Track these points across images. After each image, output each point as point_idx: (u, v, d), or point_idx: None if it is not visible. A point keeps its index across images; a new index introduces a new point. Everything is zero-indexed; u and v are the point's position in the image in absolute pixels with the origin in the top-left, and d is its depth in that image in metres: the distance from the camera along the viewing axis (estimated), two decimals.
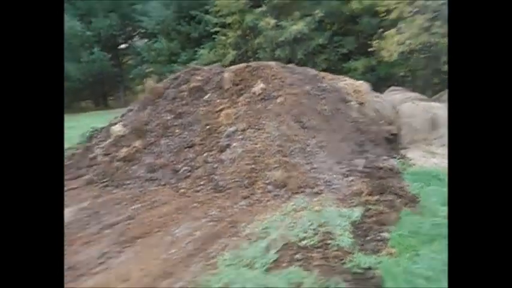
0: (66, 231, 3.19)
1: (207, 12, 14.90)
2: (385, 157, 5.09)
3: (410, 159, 5.19)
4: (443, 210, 3.12)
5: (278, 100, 5.06)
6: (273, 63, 5.80)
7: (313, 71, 6.20)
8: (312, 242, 2.69)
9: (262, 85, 5.28)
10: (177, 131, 5.25)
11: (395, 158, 5.08)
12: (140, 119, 5.58)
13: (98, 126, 6.74)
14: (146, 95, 6.09)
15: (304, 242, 2.70)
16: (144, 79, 21.57)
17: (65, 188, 4.60)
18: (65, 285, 2.29)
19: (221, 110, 5.24)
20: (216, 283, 2.17)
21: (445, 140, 5.80)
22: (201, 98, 5.63)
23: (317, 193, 3.93)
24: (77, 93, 19.44)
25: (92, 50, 16.08)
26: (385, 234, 2.70)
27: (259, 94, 5.20)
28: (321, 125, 5.08)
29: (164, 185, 4.43)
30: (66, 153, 6.46)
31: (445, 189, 4.04)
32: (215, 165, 4.51)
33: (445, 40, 10.64)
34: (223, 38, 13.98)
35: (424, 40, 9.52)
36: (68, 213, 3.72)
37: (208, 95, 5.61)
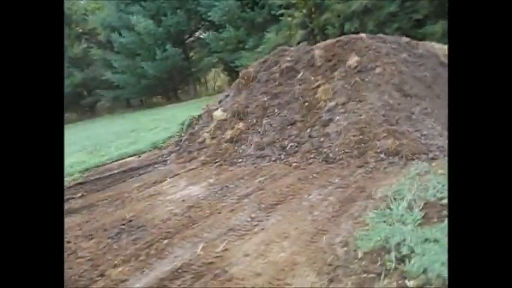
0: (205, 202, 3.65)
1: None
2: None
3: None
4: None
5: (376, 71, 5.04)
6: (363, 35, 5.74)
7: (405, 38, 6.02)
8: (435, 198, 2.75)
9: (356, 58, 5.28)
10: (276, 110, 5.52)
11: None
12: (239, 102, 5.95)
13: (195, 114, 7.33)
14: (239, 80, 6.45)
15: (444, 201, 2.76)
16: (213, 69, 22.51)
17: (185, 169, 5.17)
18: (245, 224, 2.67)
19: (318, 86, 5.37)
20: (375, 238, 2.36)
21: None
22: (294, 77, 5.81)
23: (433, 158, 3.92)
24: (152, 89, 20.96)
25: (165, 47, 17.15)
26: None
27: (355, 67, 5.22)
28: (423, 91, 4.97)
29: (275, 160, 4.74)
30: (173, 140, 7.16)
31: None
32: (321, 139, 4.70)
33: None
34: (290, 19, 13.98)
35: None
36: (201, 188, 4.20)
37: (301, 73, 5.77)
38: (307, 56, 5.93)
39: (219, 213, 3.32)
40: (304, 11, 13.91)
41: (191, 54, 21.64)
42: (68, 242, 3.16)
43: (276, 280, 2.11)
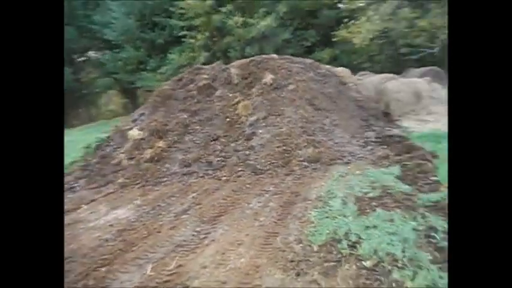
0: (139, 224, 3.39)
1: (169, 17, 14.95)
2: (387, 128, 5.74)
3: (408, 127, 5.89)
4: None
5: (290, 87, 5.51)
6: (274, 55, 6.23)
7: (309, 60, 6.73)
8: (377, 194, 3.17)
9: (271, 75, 5.69)
10: (197, 127, 5.50)
11: (396, 127, 5.76)
12: (156, 121, 5.73)
13: (102, 136, 6.75)
14: (155, 98, 6.23)
15: (371, 195, 3.17)
16: (108, 91, 21.00)
17: (101, 194, 4.69)
18: (176, 262, 2.57)
19: (237, 102, 5.57)
20: (324, 232, 2.56)
21: (430, 108, 6.61)
22: (212, 94, 5.91)
23: (347, 162, 4.44)
24: None
25: None
26: (434, 178, 3.25)
27: (271, 84, 5.60)
28: (330, 105, 5.61)
29: (203, 176, 4.69)
30: (77, 165, 6.42)
31: None
32: (247, 152, 4.85)
33: (401, 25, 11.78)
34: (192, 40, 14.13)
35: (388, 26, 10.51)
36: (128, 210, 3.87)
37: (219, 90, 5.91)
38: (223, 74, 6.11)
39: (159, 232, 3.12)
40: (207, 33, 14.28)
41: (82, 74, 19.86)
42: None
43: (243, 284, 2.10)
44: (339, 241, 2.41)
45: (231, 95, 5.75)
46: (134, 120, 6.14)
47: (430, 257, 2.06)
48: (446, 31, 12.29)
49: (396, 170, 3.75)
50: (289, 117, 5.09)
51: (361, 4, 11.41)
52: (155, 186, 4.68)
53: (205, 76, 6.20)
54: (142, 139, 5.58)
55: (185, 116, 5.71)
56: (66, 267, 2.72)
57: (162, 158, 5.18)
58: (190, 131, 5.45)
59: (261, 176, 4.37)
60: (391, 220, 2.59)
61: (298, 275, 2.10)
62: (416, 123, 6.15)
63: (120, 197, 4.47)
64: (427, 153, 4.01)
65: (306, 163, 4.45)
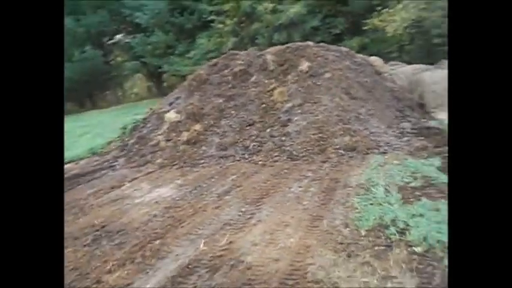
0: (183, 202, 3.55)
1: (199, 1, 14.99)
2: (423, 119, 5.67)
3: (444, 120, 5.79)
4: None
5: (326, 75, 5.50)
6: (310, 43, 6.21)
7: (345, 48, 6.67)
8: (419, 184, 3.19)
9: (307, 63, 5.69)
10: (233, 112, 5.60)
11: (432, 119, 5.68)
12: (193, 104, 5.87)
13: (138, 118, 6.99)
14: (190, 82, 6.36)
15: (413, 184, 3.20)
16: (135, 75, 21.40)
17: (142, 173, 4.90)
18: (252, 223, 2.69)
19: (273, 89, 5.62)
20: (371, 217, 2.63)
21: None
22: (247, 80, 5.97)
23: (384, 152, 4.44)
24: (65, 94, 19.01)
25: (84, 48, 15.80)
26: None
27: (307, 72, 5.61)
28: (366, 95, 5.58)
29: (239, 160, 4.81)
30: (114, 145, 6.69)
31: None
32: (282, 138, 4.93)
33: (435, 14, 11.39)
34: (221, 26, 14.16)
35: (423, 15, 10.20)
36: (171, 189, 4.05)
37: (254, 76, 5.97)
38: (259, 61, 6.16)
39: (204, 210, 3.27)
40: (235, 19, 14.26)
41: (111, 57, 20.30)
42: None
43: (296, 262, 2.21)
44: (387, 227, 2.48)
45: (266, 81, 5.81)
46: (170, 103, 6.31)
47: None
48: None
49: (437, 161, 3.74)
50: (325, 105, 5.11)
51: None
52: (193, 167, 4.84)
53: (240, 62, 6.26)
54: (179, 122, 5.74)
55: (220, 101, 5.82)
56: (121, 239, 2.92)
57: (199, 141, 5.33)
58: (226, 115, 5.57)
59: (297, 161, 4.45)
60: (437, 209, 2.62)
61: (349, 256, 2.19)
62: (444, 116, 6.03)
63: (160, 176, 4.67)
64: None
65: (342, 151, 4.48)
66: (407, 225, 2.45)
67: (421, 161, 3.87)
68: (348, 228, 2.55)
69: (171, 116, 5.87)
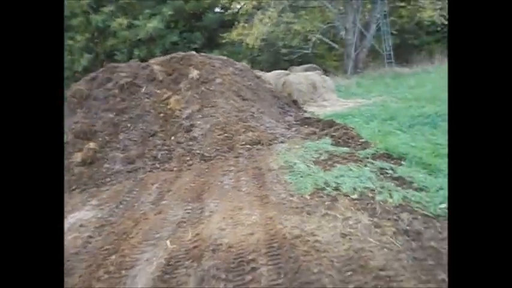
0: (116, 218, 3.32)
1: None
2: (300, 112, 6.72)
3: (313, 112, 7.01)
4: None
5: (217, 81, 5.90)
6: (193, 52, 6.50)
7: (223, 56, 7.20)
8: (326, 157, 3.94)
9: (196, 71, 5.96)
10: (129, 125, 5.37)
11: (306, 112, 6.79)
12: (79, 123, 5.32)
13: None
14: (69, 100, 5.72)
15: (322, 158, 3.92)
16: None
17: None
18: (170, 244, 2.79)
19: (167, 98, 5.66)
20: (308, 186, 3.15)
21: (324, 96, 7.95)
22: (137, 92, 5.81)
23: (282, 142, 5.14)
24: None
25: None
26: (362, 140, 4.21)
27: (198, 79, 5.88)
28: (253, 96, 6.24)
29: (151, 170, 4.68)
30: None
31: (357, 119, 5.96)
32: (190, 143, 5.06)
33: (279, 29, 13.38)
34: (71, 42, 12.83)
35: (273, 29, 11.87)
36: (88, 212, 3.67)
37: (144, 87, 5.85)
38: (145, 71, 6.07)
39: (147, 218, 3.17)
40: (87, 35, 13.20)
41: None
42: None
43: (270, 230, 2.51)
44: (323, 189, 3.03)
45: (158, 91, 5.79)
46: None
47: (393, 183, 2.87)
48: (317, 34, 14.66)
49: (328, 140, 4.62)
50: (222, 108, 5.50)
51: (245, 8, 12.47)
52: (100, 187, 4.45)
53: (124, 74, 6.02)
54: (66, 143, 5.11)
55: (111, 115, 5.48)
56: (66, 265, 2.58)
57: (98, 159, 4.90)
58: (123, 129, 5.29)
59: (212, 161, 4.67)
60: (351, 170, 3.35)
61: (309, 214, 2.63)
62: (317, 108, 7.35)
63: (69, 200, 4.11)
64: (344, 125, 5.03)
65: (248, 146, 4.95)
66: (337, 183, 3.07)
67: (315, 142, 4.69)
68: (294, 197, 2.99)
69: None
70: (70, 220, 3.52)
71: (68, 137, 5.19)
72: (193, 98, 5.64)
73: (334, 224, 2.42)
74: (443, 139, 3.86)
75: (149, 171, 4.68)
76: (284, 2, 12.11)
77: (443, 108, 5.44)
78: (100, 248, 2.74)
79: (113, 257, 2.57)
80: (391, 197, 2.65)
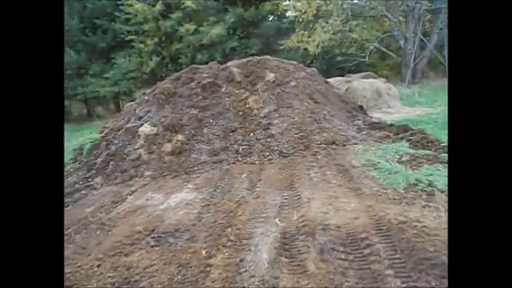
0: (217, 199, 3.72)
1: (113, 21, 14.47)
2: (368, 117, 6.87)
3: (380, 117, 7.13)
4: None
5: (291, 84, 6.25)
6: (268, 57, 6.91)
7: (293, 61, 7.56)
8: (408, 158, 4.10)
9: (272, 74, 6.36)
10: (211, 121, 5.86)
11: (373, 117, 6.93)
12: (167, 117, 5.90)
13: (96, 136, 6.57)
14: (158, 95, 6.35)
15: (403, 159, 4.08)
16: None
17: (136, 186, 4.76)
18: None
19: (246, 98, 6.09)
20: (400, 181, 3.35)
21: (389, 103, 8.02)
22: (217, 91, 6.31)
23: (355, 143, 5.34)
24: None
25: None
26: (443, 144, 4.32)
27: (273, 81, 6.27)
28: (323, 99, 6.51)
29: (234, 162, 5.10)
30: (68, 168, 6.15)
31: (430, 126, 6.01)
32: (268, 140, 5.42)
33: (336, 37, 13.55)
34: (141, 45, 13.91)
35: (332, 37, 12.12)
36: (187, 194, 4.11)
37: (224, 88, 6.34)
38: (224, 73, 6.57)
39: (247, 201, 3.53)
40: (156, 39, 14.21)
41: None
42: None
43: (373, 216, 2.75)
44: (415, 185, 3.23)
45: (237, 91, 6.25)
46: (140, 118, 6.17)
47: None
48: (377, 42, 14.64)
49: (405, 144, 4.76)
50: (298, 109, 5.82)
51: (305, 16, 12.82)
52: (190, 174, 4.93)
53: (206, 75, 6.56)
54: (156, 134, 5.70)
55: (195, 112, 6.00)
56: (185, 236, 2.99)
57: (185, 150, 5.42)
58: (206, 124, 5.79)
59: (290, 157, 4.99)
60: (439, 169, 3.51)
61: (408, 204, 2.84)
62: (382, 114, 7.45)
63: (163, 185, 4.62)
64: (421, 130, 5.15)
65: (324, 145, 5.21)
66: (429, 180, 3.24)
67: (391, 144, 4.85)
68: (388, 190, 3.21)
69: (146, 129, 5.79)
70: (174, 199, 3.99)
71: (158, 129, 5.78)
72: (269, 99, 6.02)
73: (437, 214, 2.62)
74: None
75: (233, 163, 5.10)
76: (347, 11, 12.33)
77: None
78: (214, 222, 3.14)
79: (229, 229, 2.95)
80: None
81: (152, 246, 2.87)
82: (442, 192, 3.00)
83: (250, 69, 6.54)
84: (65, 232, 3.48)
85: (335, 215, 2.88)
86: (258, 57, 6.90)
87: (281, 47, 14.32)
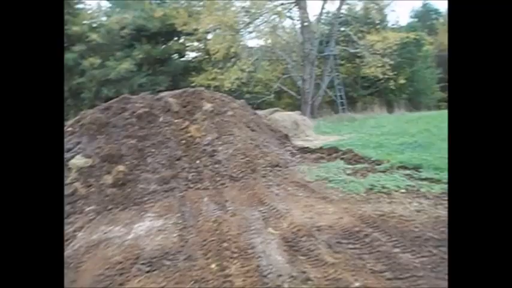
0: (193, 222, 3.64)
1: None
2: (293, 144, 7.58)
3: (302, 144, 7.93)
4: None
5: (229, 113, 6.54)
6: (202, 88, 7.11)
7: (222, 94, 7.90)
8: (352, 171, 4.74)
9: (209, 104, 6.56)
10: (153, 150, 5.65)
11: (297, 144, 7.67)
12: (103, 148, 5.46)
13: None
14: (87, 126, 5.83)
15: (349, 172, 4.71)
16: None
17: (82, 221, 4.24)
18: None
19: (186, 126, 6.10)
20: (361, 188, 3.88)
21: (306, 132, 8.98)
22: (154, 121, 6.16)
23: (295, 165, 5.87)
24: None
25: None
26: (373, 158, 5.14)
27: (212, 111, 6.46)
28: (256, 128, 6.96)
29: (186, 190, 5.00)
30: None
31: (350, 148, 6.95)
32: (216, 166, 5.51)
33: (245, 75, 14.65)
34: None
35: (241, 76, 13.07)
36: (152, 222, 3.89)
37: (161, 117, 6.24)
38: (160, 103, 6.49)
39: (226, 220, 3.57)
40: None
41: None
42: None
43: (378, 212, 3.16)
44: (371, 188, 3.80)
45: (175, 120, 6.22)
46: (68, 150, 5.53)
47: (425, 182, 3.75)
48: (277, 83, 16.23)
49: (340, 162, 5.47)
50: (239, 136, 6.11)
51: (219, 55, 13.58)
52: (140, 205, 4.62)
53: (139, 105, 6.36)
54: (91, 166, 5.20)
55: (133, 142, 5.72)
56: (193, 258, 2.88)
57: (128, 181, 5.07)
58: (149, 154, 5.56)
59: (241, 181, 5.17)
60: (381, 177, 4.20)
61: (378, 203, 3.35)
62: (302, 142, 8.29)
63: (113, 218, 4.22)
64: (350, 149, 5.97)
65: (269, 168, 5.57)
66: (381, 184, 3.86)
67: (329, 163, 5.51)
68: (352, 195, 3.70)
69: (79, 161, 5.23)
70: (139, 228, 3.72)
71: (94, 161, 5.29)
72: (210, 128, 6.17)
73: (403, 206, 3.17)
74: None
75: (184, 190, 4.99)
76: (258, 53, 13.57)
77: (417, 139, 6.68)
78: (204, 241, 3.09)
79: (225, 244, 2.95)
80: (432, 188, 3.51)
81: (148, 272, 2.67)
82: (396, 191, 3.61)
83: (186, 100, 6.62)
84: None
85: (320, 218, 3.18)
86: (191, 89, 7.05)
87: (192, 84, 14.63)
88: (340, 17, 15.86)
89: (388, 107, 16.65)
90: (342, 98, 15.38)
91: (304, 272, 2.30)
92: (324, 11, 16.19)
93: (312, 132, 9.03)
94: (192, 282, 2.40)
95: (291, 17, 15.21)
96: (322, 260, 2.43)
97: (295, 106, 17.16)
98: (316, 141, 8.10)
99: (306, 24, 14.81)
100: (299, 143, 8.09)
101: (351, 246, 2.58)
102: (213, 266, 2.58)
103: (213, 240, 3.05)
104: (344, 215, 3.17)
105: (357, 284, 2.07)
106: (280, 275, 2.31)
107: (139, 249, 3.13)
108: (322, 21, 15.81)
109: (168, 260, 2.82)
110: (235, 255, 2.72)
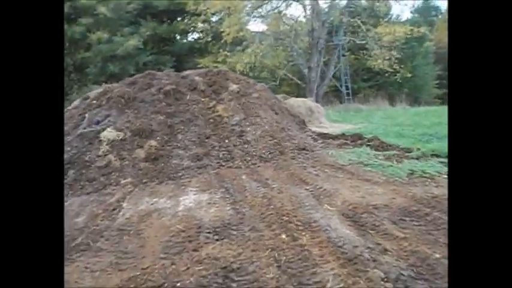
0: (240, 197, 3.72)
1: None
2: (313, 129, 7.68)
3: (321, 130, 8.04)
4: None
5: (254, 95, 6.57)
6: (225, 69, 7.09)
7: (243, 76, 7.90)
8: (382, 156, 4.88)
9: (235, 85, 6.57)
10: (182, 127, 5.67)
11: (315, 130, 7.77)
12: (132, 122, 5.44)
13: None
14: (116, 99, 5.79)
15: (381, 156, 4.85)
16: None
17: (125, 192, 4.27)
18: None
19: (213, 106, 6.12)
20: (404, 170, 4.01)
21: (320, 120, 9.09)
22: (181, 99, 6.15)
23: (319, 150, 5.98)
24: None
25: None
26: (399, 146, 5.29)
27: (238, 92, 6.48)
28: (279, 112, 7.02)
29: (218, 167, 5.06)
30: None
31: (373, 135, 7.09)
32: (245, 146, 5.57)
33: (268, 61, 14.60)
34: None
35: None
36: (199, 194, 3.95)
37: (188, 95, 6.23)
38: (185, 81, 6.46)
39: (274, 196, 3.66)
40: None
41: None
42: None
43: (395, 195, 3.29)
44: (411, 173, 3.93)
45: (202, 99, 6.22)
46: (97, 122, 5.50)
47: None
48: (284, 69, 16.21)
49: (367, 148, 5.60)
50: (265, 118, 6.16)
51: (229, 37, 13.46)
52: (175, 180, 4.66)
53: (166, 81, 6.33)
54: (123, 140, 5.20)
55: (161, 118, 5.72)
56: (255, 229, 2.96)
57: (162, 156, 5.10)
58: (178, 131, 5.57)
59: (272, 162, 5.25)
60: (417, 164, 4.34)
61: (426, 185, 3.48)
62: (317, 129, 8.40)
63: (154, 191, 4.25)
64: (376, 136, 6.10)
65: (296, 151, 5.67)
66: (421, 169, 4.00)
67: (355, 148, 5.64)
68: (396, 178, 3.83)
69: (110, 134, 5.21)
70: (186, 201, 3.78)
71: (125, 134, 5.28)
72: (237, 108, 6.20)
73: None
74: None
75: (217, 168, 5.05)
76: (268, 39, 13.51)
77: (432, 130, 6.86)
78: (262, 214, 3.17)
79: (285, 217, 3.05)
80: None
81: (217, 240, 2.74)
82: (438, 176, 3.76)
83: (212, 79, 6.61)
84: (78, 241, 2.96)
85: (372, 198, 3.30)
86: (215, 69, 7.03)
87: (198, 66, 14.50)
88: (350, 7, 15.83)
89: (390, 100, 16.88)
90: (347, 88, 15.52)
91: (380, 244, 2.41)
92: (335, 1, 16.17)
93: (325, 120, 9.13)
94: (269, 250, 2.49)
95: (302, 4, 15.13)
96: (392, 234, 2.54)
97: (294, 95, 17.24)
98: (331, 128, 8.22)
99: (316, 12, 14.77)
100: (315, 129, 8.19)
101: (415, 223, 2.71)
102: (283, 236, 2.67)
103: (271, 214, 3.13)
104: (395, 196, 3.29)
105: (437, 255, 2.19)
106: (356, 246, 2.42)
107: (197, 219, 3.19)
108: (332, 10, 15.75)
109: (234, 230, 2.89)
110: (300, 227, 2.81)
